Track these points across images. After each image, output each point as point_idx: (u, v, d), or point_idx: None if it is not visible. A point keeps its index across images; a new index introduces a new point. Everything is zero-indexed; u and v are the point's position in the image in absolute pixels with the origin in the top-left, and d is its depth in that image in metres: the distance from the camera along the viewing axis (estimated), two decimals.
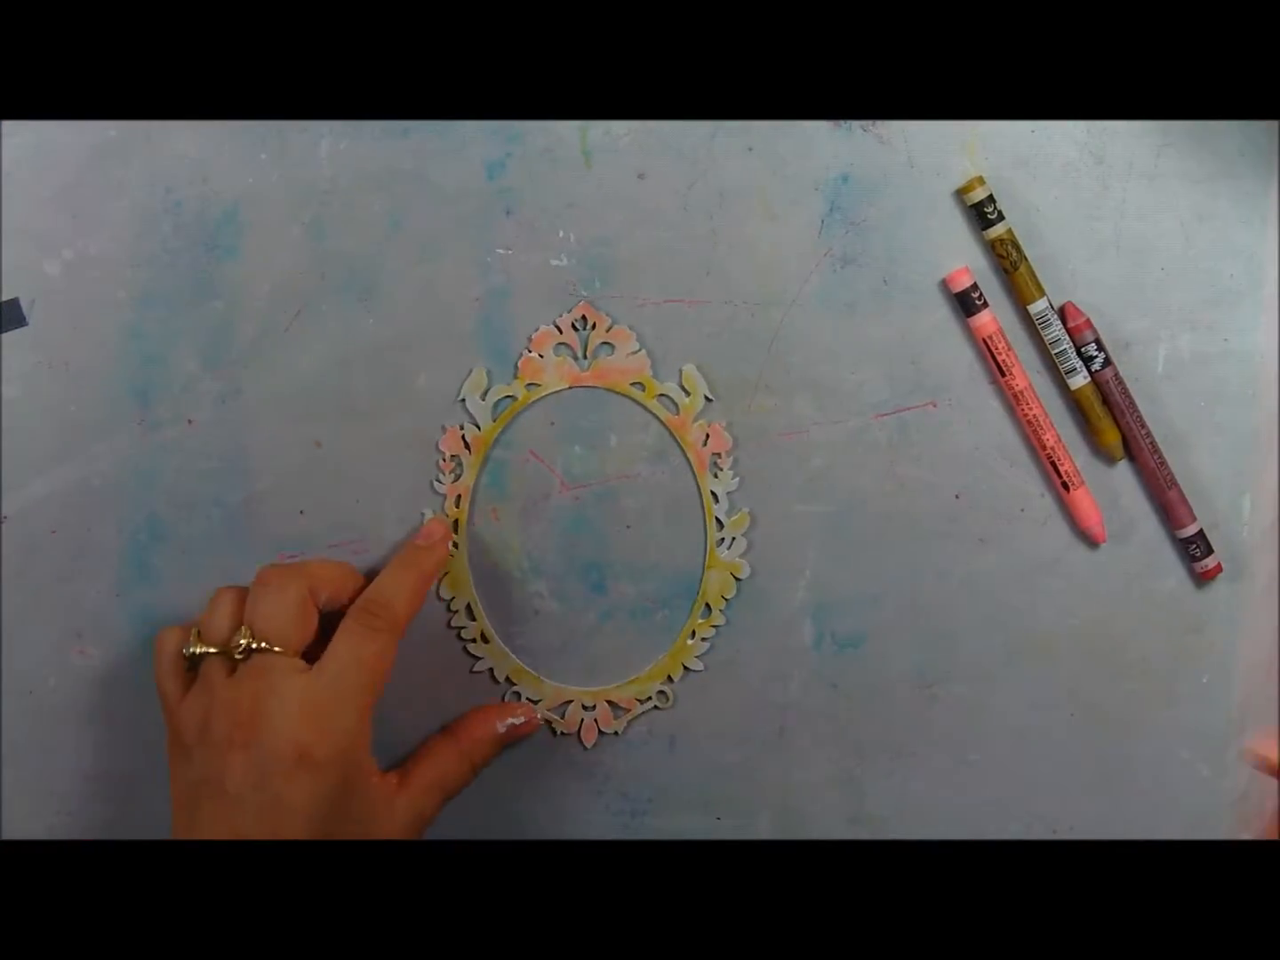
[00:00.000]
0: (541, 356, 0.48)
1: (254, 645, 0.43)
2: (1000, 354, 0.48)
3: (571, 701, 0.49)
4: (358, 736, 0.42)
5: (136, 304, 0.48)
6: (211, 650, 0.43)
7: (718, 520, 0.49)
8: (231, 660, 0.43)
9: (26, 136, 0.47)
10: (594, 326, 0.48)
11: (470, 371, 0.48)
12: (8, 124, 0.47)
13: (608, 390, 0.49)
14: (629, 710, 0.50)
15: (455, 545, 0.49)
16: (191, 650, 0.44)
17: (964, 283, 0.48)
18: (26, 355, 0.48)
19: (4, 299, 0.47)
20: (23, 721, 0.49)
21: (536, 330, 0.48)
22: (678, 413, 0.49)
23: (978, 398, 0.49)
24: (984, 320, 0.48)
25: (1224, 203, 0.48)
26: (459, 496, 0.49)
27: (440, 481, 0.49)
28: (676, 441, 0.49)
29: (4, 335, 0.46)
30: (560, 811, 0.50)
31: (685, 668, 0.49)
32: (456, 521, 0.49)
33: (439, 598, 0.49)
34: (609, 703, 0.49)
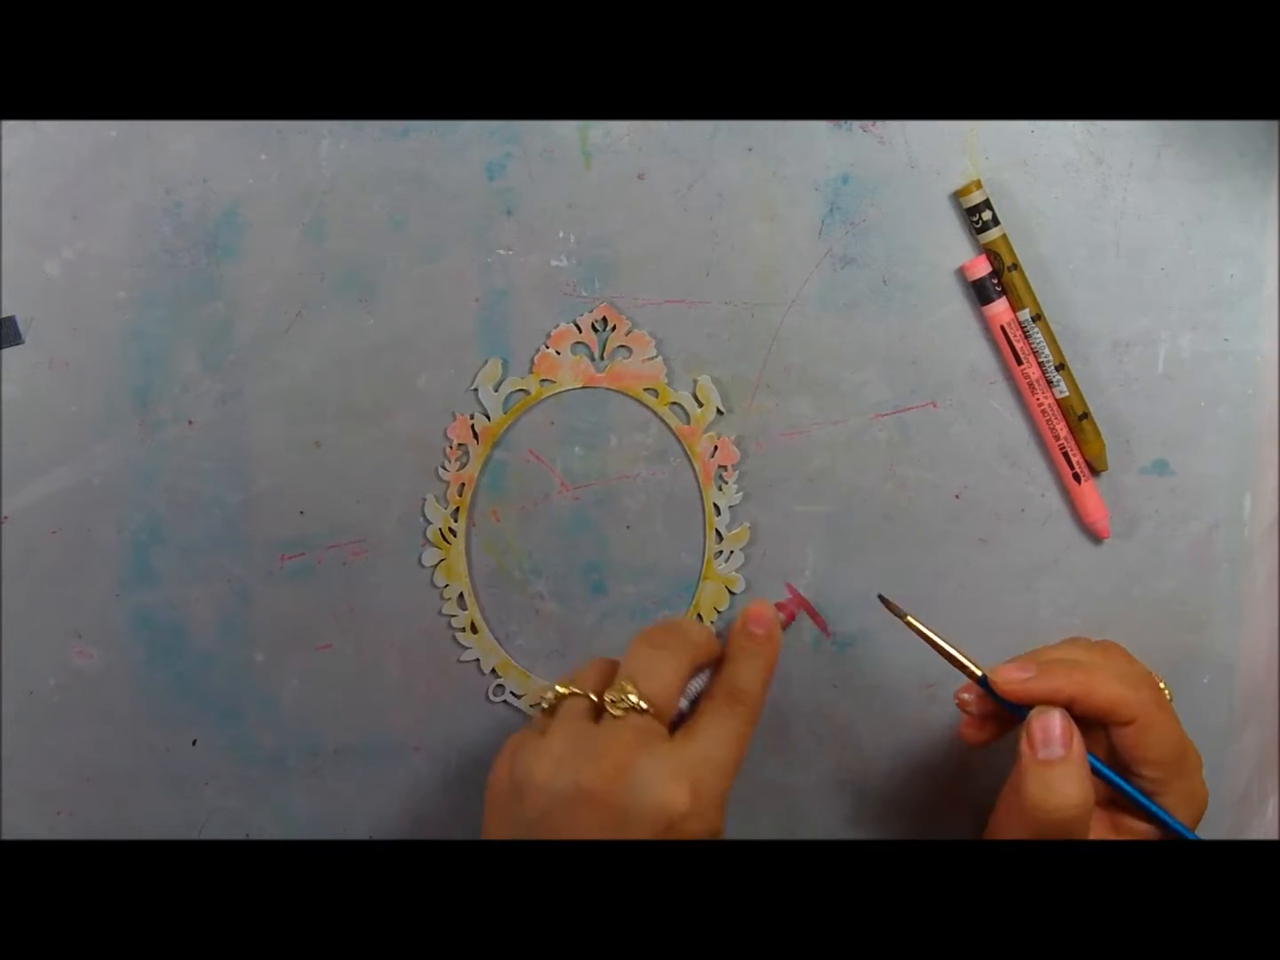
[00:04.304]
0: (558, 354, 0.48)
1: (638, 704, 0.40)
2: (1017, 341, 0.48)
3: None
4: (721, 817, 0.40)
5: (136, 304, 0.48)
6: (578, 692, 0.41)
7: (718, 533, 0.49)
8: (597, 710, 0.41)
9: (26, 136, 0.47)
10: (614, 329, 0.48)
11: (485, 362, 0.48)
12: (8, 124, 0.47)
13: (621, 394, 0.49)
14: None
15: (454, 534, 0.49)
16: (559, 690, 0.42)
17: (981, 270, 0.47)
18: (26, 355, 0.48)
19: (2, 315, 0.47)
20: (23, 721, 0.49)
21: (556, 326, 0.48)
22: (689, 422, 0.49)
23: (978, 398, 0.49)
24: (1000, 308, 0.48)
25: (1224, 203, 0.48)
26: (462, 485, 0.49)
27: (445, 469, 0.49)
28: (684, 450, 0.49)
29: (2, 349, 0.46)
30: None
31: None
32: (457, 510, 0.49)
33: (433, 584, 0.49)
34: None
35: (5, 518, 0.48)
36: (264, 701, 0.50)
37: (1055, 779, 0.40)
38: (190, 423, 0.48)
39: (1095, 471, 0.49)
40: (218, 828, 0.50)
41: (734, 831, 0.50)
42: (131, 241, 0.47)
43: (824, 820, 0.51)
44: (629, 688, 0.41)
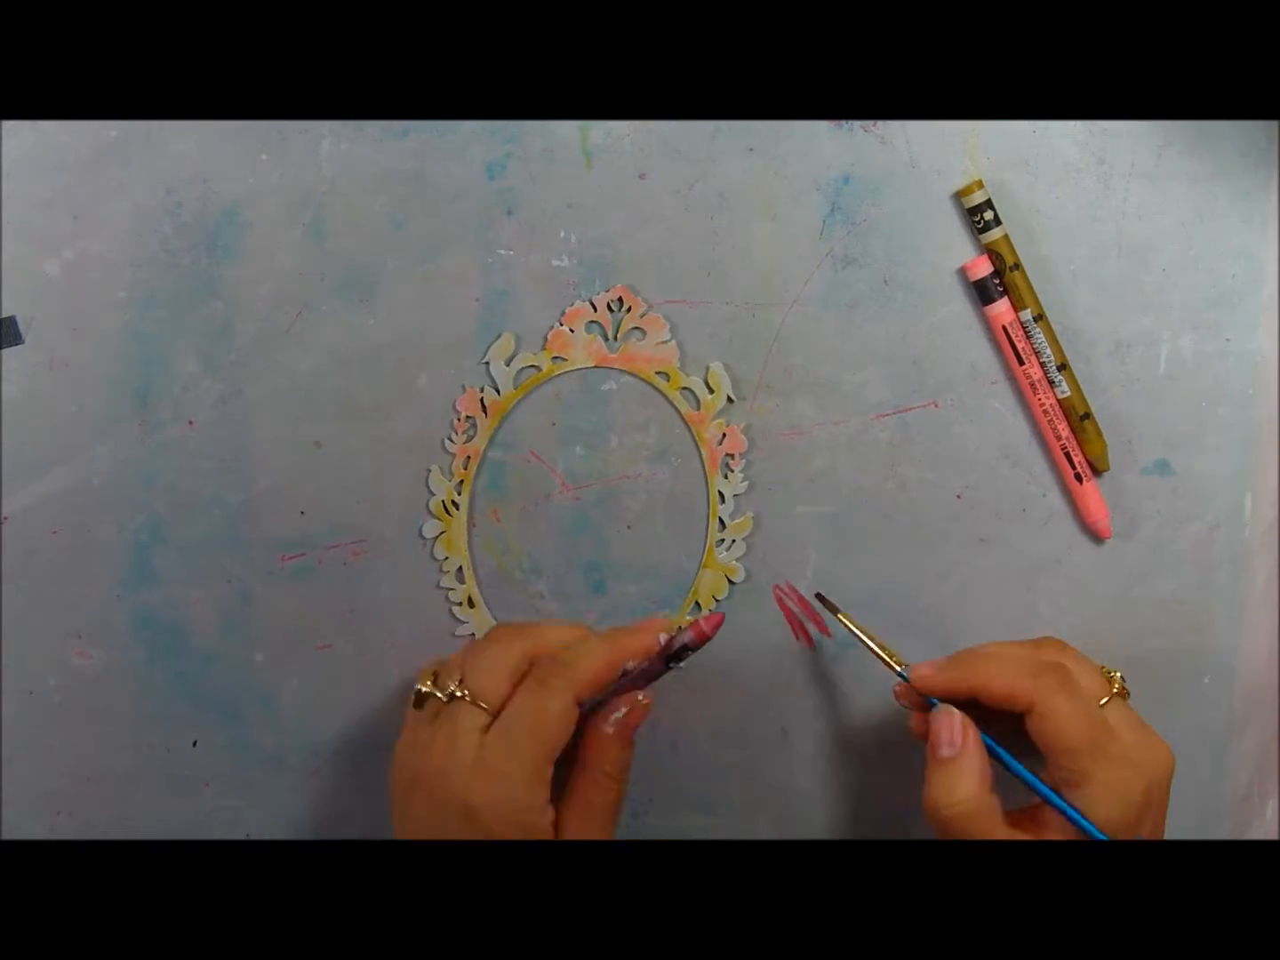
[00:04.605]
0: (572, 331, 0.48)
1: (457, 693, 0.42)
2: (1019, 341, 0.48)
3: None
4: (525, 798, 0.41)
5: (136, 304, 0.48)
6: (425, 689, 0.43)
7: (720, 521, 0.49)
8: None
9: (26, 136, 0.47)
10: (629, 310, 0.48)
11: (499, 335, 0.48)
12: (8, 124, 0.47)
13: (631, 375, 0.48)
14: None
15: (456, 506, 0.48)
16: (417, 687, 0.43)
17: (982, 270, 0.47)
18: (26, 355, 0.48)
19: (2, 315, 0.47)
20: (23, 721, 0.49)
21: (571, 304, 0.48)
22: (698, 409, 0.49)
23: (979, 398, 0.49)
24: (1002, 308, 0.48)
25: (1224, 203, 0.48)
26: (468, 458, 0.49)
27: (452, 440, 0.49)
28: (692, 436, 0.49)
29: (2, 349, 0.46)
30: None
31: None
32: (461, 483, 0.49)
33: (433, 556, 0.49)
34: None
35: (5, 518, 0.48)
36: (264, 701, 0.50)
37: (945, 777, 0.41)
38: (190, 423, 0.48)
39: (1097, 471, 0.49)
40: (218, 828, 0.50)
41: (734, 831, 0.50)
42: (131, 241, 0.47)
43: (824, 820, 0.51)
44: (453, 675, 0.42)
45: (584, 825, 0.42)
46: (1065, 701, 0.41)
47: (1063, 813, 0.41)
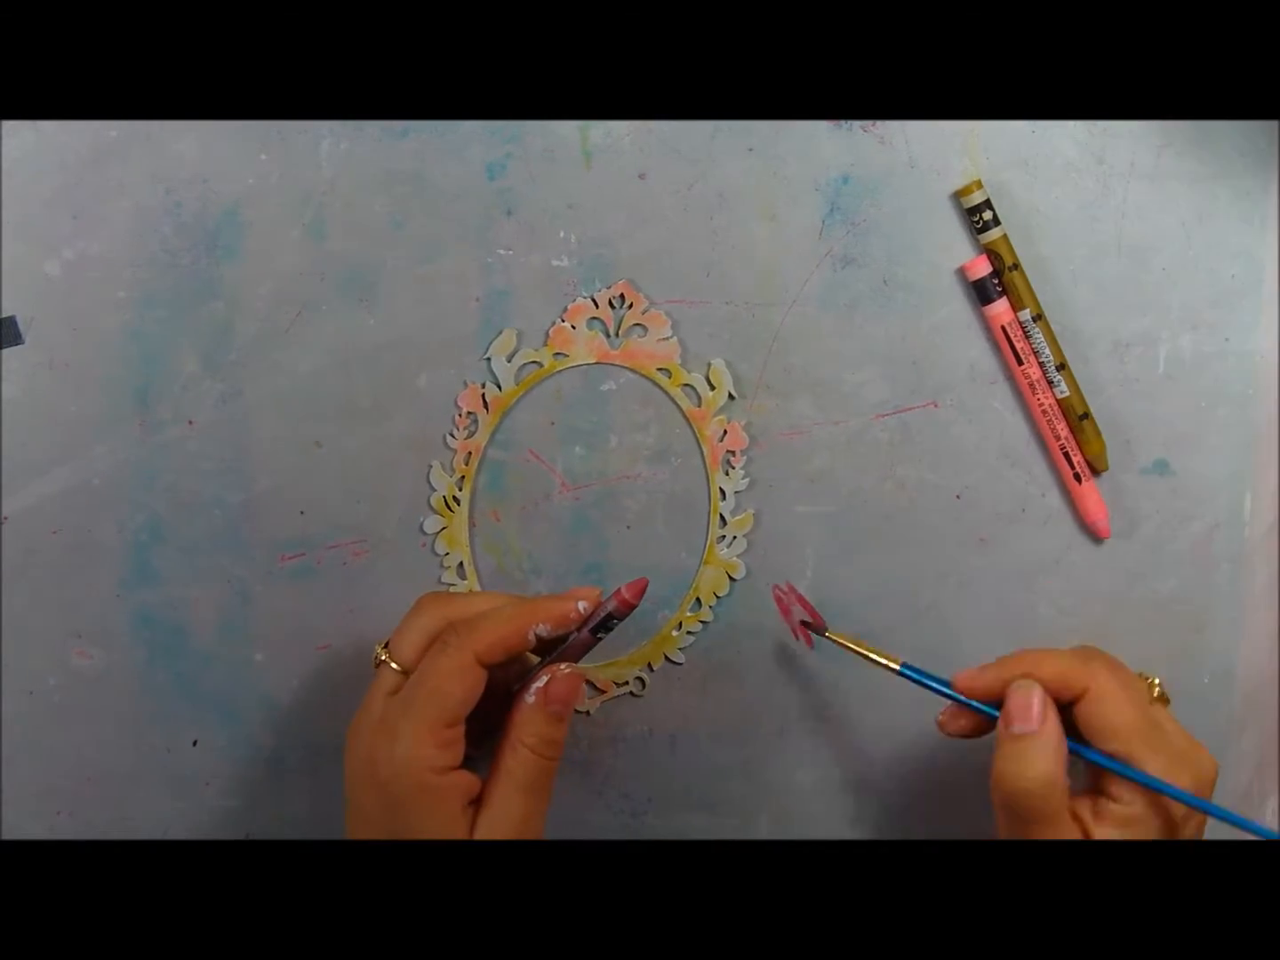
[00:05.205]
0: (574, 328, 0.48)
1: (382, 657, 0.43)
2: (1018, 342, 0.48)
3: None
4: (418, 755, 0.40)
5: (136, 304, 0.48)
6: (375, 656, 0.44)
7: (721, 517, 0.49)
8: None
9: (26, 136, 0.47)
10: (630, 306, 0.48)
11: (500, 332, 0.48)
12: (8, 124, 0.47)
13: (633, 372, 0.48)
14: (605, 692, 0.49)
15: (458, 502, 0.49)
16: (374, 652, 0.44)
17: (981, 270, 0.47)
18: (26, 355, 0.48)
19: (2, 315, 0.47)
20: (23, 721, 0.49)
21: (573, 301, 0.48)
22: (699, 405, 0.49)
23: (979, 398, 0.49)
24: (1000, 309, 0.48)
25: (1224, 203, 0.48)
26: (469, 454, 0.49)
27: (453, 436, 0.49)
28: (694, 433, 0.49)
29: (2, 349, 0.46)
30: (561, 811, 0.50)
31: (666, 658, 0.49)
32: (463, 479, 0.49)
33: (434, 552, 0.49)
34: (586, 682, 0.49)
35: (5, 518, 0.48)
36: (264, 701, 0.50)
37: (1022, 753, 0.40)
38: (190, 423, 0.48)
39: (1096, 471, 0.49)
40: (218, 828, 0.50)
41: (734, 831, 0.50)
42: (131, 241, 0.47)
43: (824, 820, 0.51)
44: (382, 645, 0.43)
45: (504, 798, 0.42)
46: (1120, 687, 0.41)
47: (1143, 783, 0.40)
